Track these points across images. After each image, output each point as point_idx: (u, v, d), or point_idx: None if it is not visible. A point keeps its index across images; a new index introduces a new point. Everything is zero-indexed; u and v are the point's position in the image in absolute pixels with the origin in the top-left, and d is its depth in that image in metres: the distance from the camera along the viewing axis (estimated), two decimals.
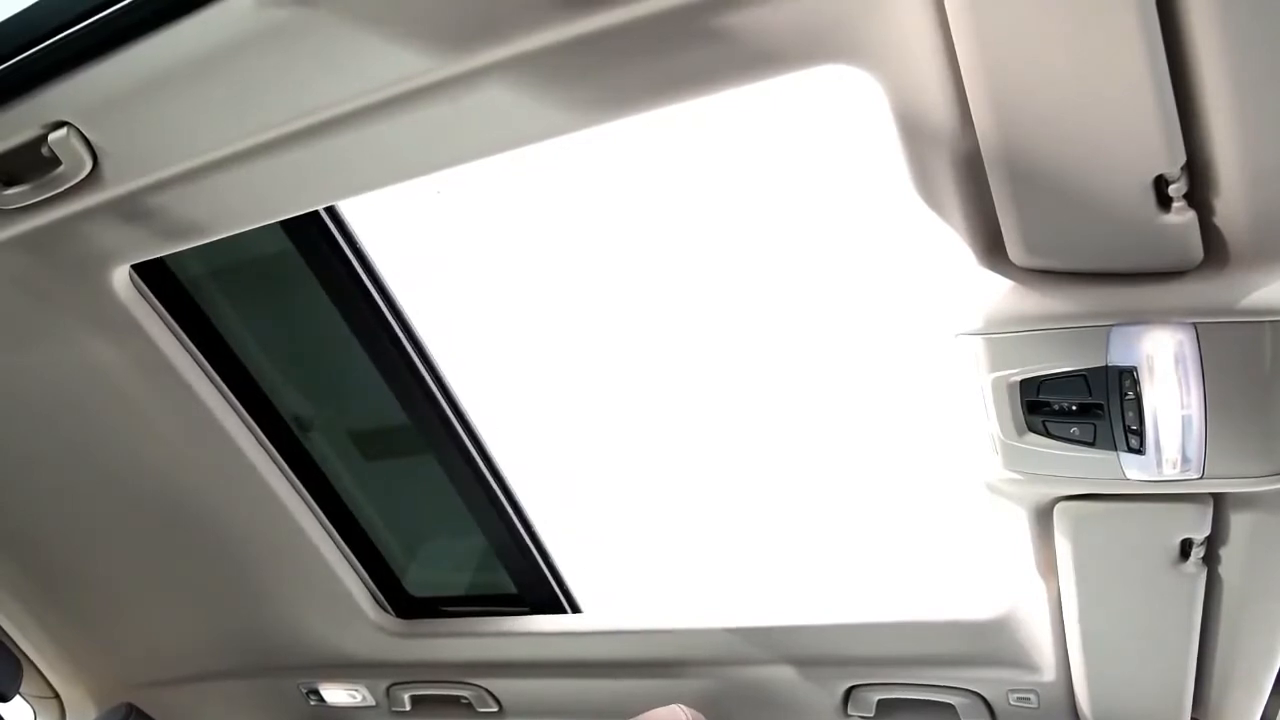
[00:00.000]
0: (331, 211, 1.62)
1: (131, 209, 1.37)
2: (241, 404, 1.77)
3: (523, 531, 1.95)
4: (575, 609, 2.01)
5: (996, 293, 1.08)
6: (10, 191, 1.33)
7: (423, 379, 1.78)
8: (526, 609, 2.04)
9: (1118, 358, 1.05)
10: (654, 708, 1.80)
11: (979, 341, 1.11)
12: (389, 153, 1.23)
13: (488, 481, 1.89)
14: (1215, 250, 0.98)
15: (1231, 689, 1.50)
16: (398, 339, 1.74)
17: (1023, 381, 1.10)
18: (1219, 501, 1.18)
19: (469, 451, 1.86)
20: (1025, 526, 1.33)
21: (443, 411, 1.82)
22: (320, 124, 1.19)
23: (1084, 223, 0.99)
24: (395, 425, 1.96)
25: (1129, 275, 1.02)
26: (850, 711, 1.81)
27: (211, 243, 1.43)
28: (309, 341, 2.01)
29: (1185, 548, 1.25)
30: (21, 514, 2.01)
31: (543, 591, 2.00)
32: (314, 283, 1.73)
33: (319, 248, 1.66)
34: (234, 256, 1.78)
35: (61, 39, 1.17)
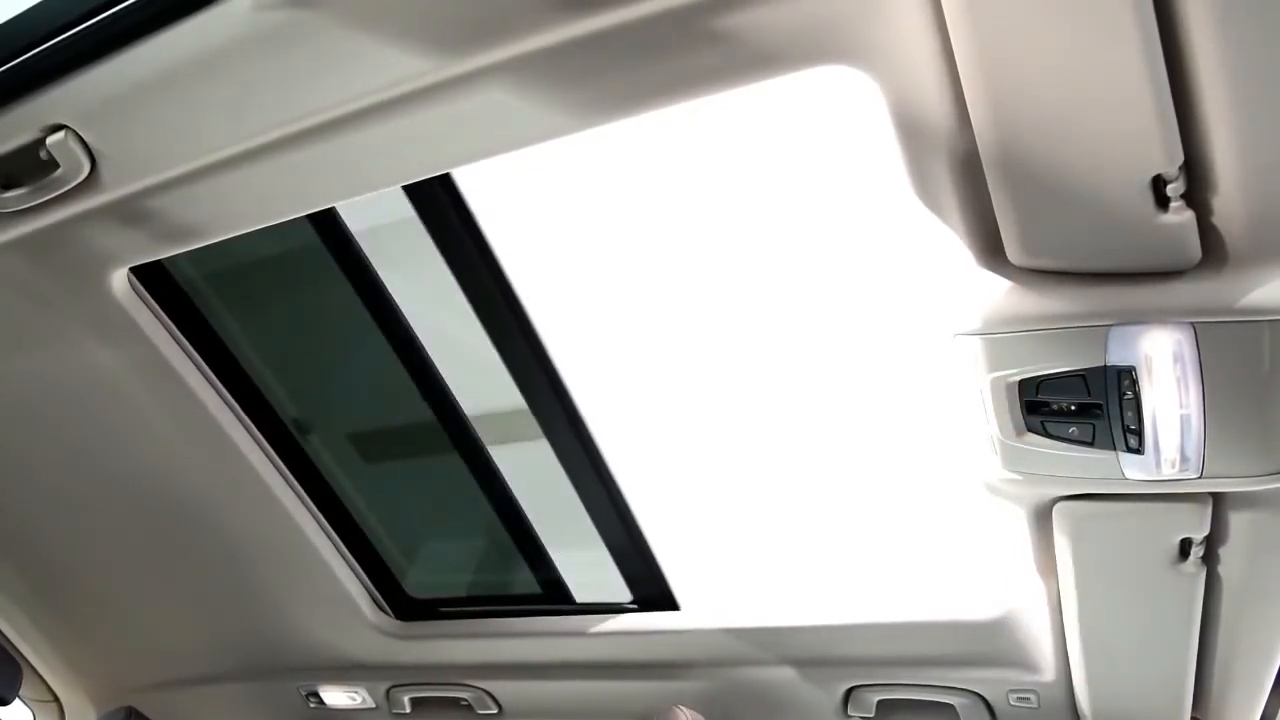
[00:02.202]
0: (447, 182, 1.56)
1: (130, 212, 1.37)
2: (240, 406, 1.76)
3: (636, 527, 1.88)
4: (676, 606, 1.94)
5: (995, 293, 1.08)
6: (8, 195, 1.33)
7: (546, 361, 1.73)
8: (529, 610, 2.04)
9: (1116, 357, 1.05)
10: (654, 709, 1.80)
11: (978, 342, 1.11)
12: (388, 155, 1.23)
13: (605, 472, 1.83)
14: (1213, 250, 0.98)
15: (1231, 688, 1.50)
16: (522, 320, 1.69)
17: (1021, 382, 1.11)
18: (1218, 501, 1.18)
19: (586, 439, 1.80)
20: (1025, 527, 1.33)
21: (563, 396, 1.76)
22: (318, 126, 1.19)
23: (1082, 223, 0.99)
24: (396, 427, 1.96)
25: (1127, 275, 1.02)
26: (850, 712, 1.81)
27: (210, 245, 1.43)
28: (309, 343, 2.01)
29: (1184, 547, 1.25)
30: (20, 517, 2.01)
31: (653, 588, 1.93)
32: (314, 284, 1.73)
33: (442, 216, 1.59)
34: (233, 259, 1.79)
35: (59, 42, 1.17)
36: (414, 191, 1.56)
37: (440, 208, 1.58)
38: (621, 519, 1.87)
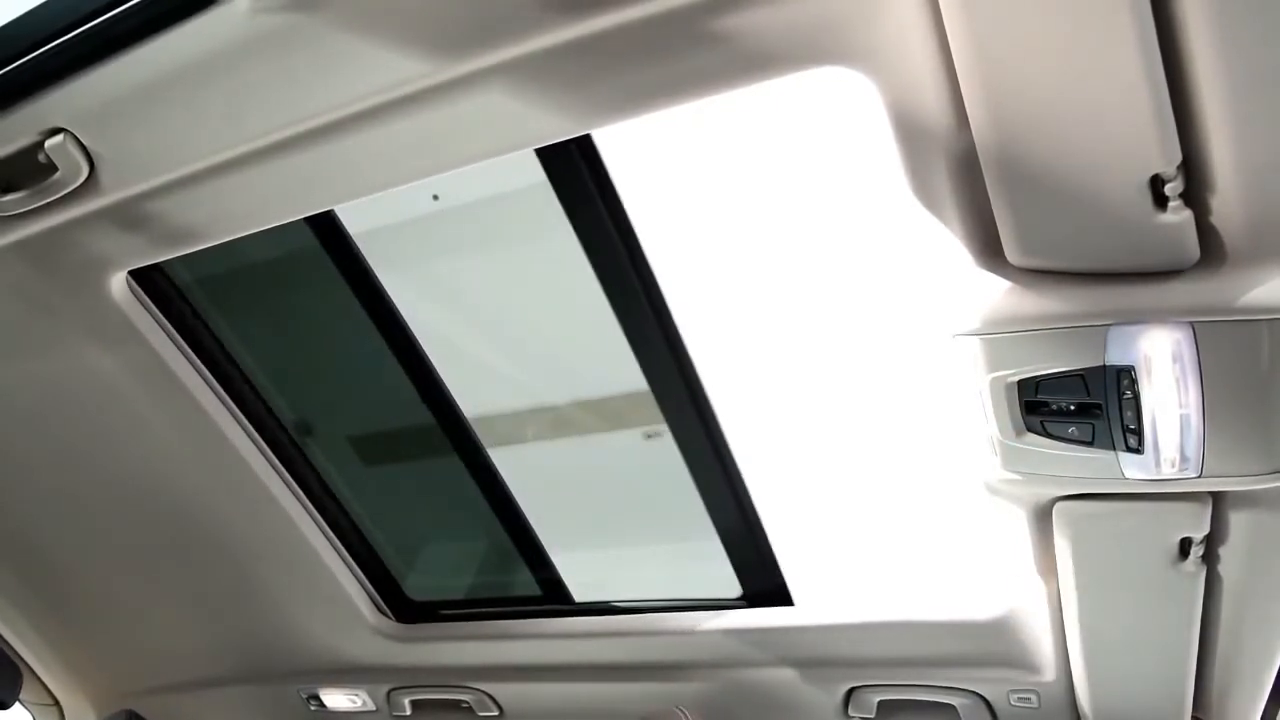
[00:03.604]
0: (586, 145, 1.47)
1: (128, 215, 1.37)
2: (239, 409, 1.76)
3: (756, 518, 1.80)
4: (790, 602, 1.86)
5: (994, 293, 1.08)
6: (7, 198, 1.33)
7: (676, 341, 1.63)
8: (529, 611, 2.03)
9: (1115, 357, 1.05)
10: (654, 710, 1.80)
11: (977, 342, 1.11)
12: (387, 157, 1.23)
13: (728, 461, 1.75)
14: (1212, 249, 0.98)
15: (1232, 687, 1.50)
16: (654, 296, 1.60)
17: (1021, 382, 1.11)
18: (1218, 500, 1.18)
19: (711, 427, 1.72)
20: (1025, 527, 1.33)
21: (692, 382, 1.67)
22: (317, 129, 1.19)
23: (1080, 222, 0.99)
24: (399, 427, 1.96)
25: (1126, 275, 1.02)
26: (851, 713, 1.81)
27: (209, 248, 1.43)
28: (309, 344, 2.01)
29: (1184, 546, 1.25)
30: (20, 520, 2.01)
31: (767, 582, 1.85)
32: (313, 285, 1.73)
33: (576, 181, 1.50)
34: (233, 261, 1.79)
35: (58, 45, 1.17)
36: (546, 154, 1.47)
37: (575, 172, 1.48)
38: (741, 510, 1.78)
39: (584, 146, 1.47)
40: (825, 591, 1.64)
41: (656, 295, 1.60)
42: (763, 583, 1.85)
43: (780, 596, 1.84)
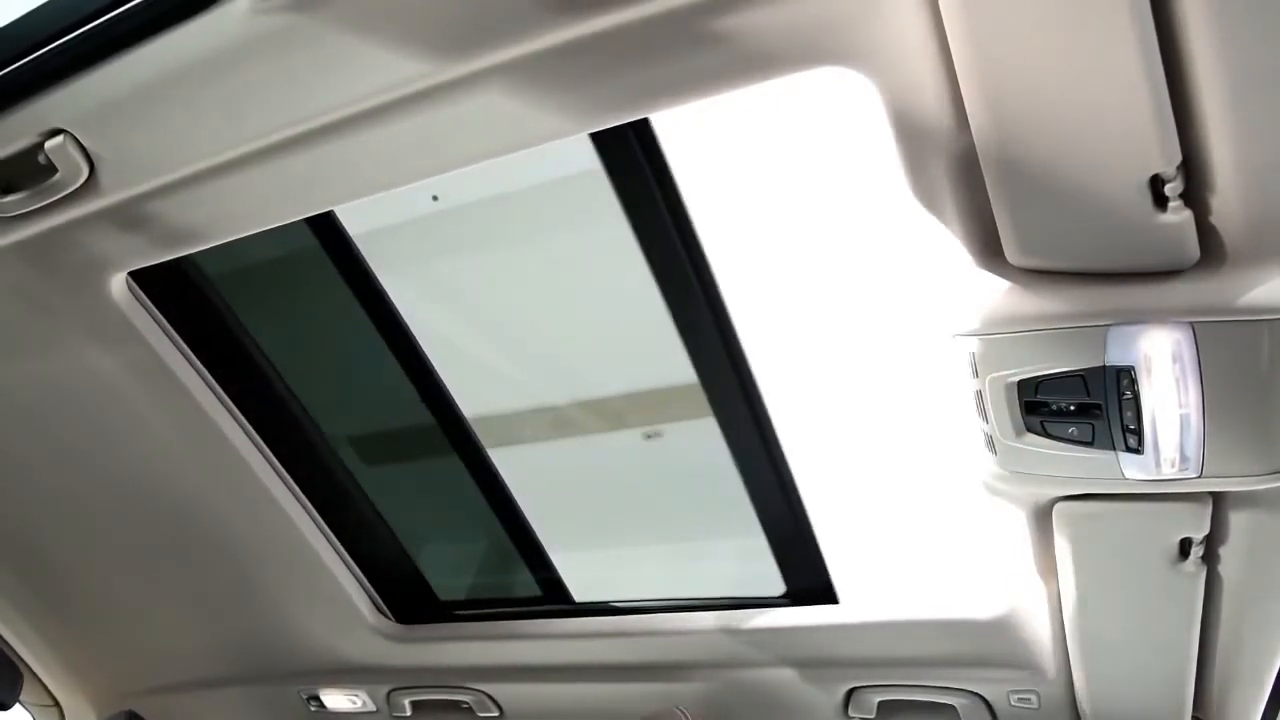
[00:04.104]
0: (644, 129, 1.42)
1: (128, 216, 1.37)
2: (240, 409, 1.76)
3: (804, 515, 1.75)
4: (835, 600, 1.81)
5: (993, 293, 1.08)
6: (7, 199, 1.33)
7: (729, 332, 1.57)
8: (530, 612, 2.03)
9: (1115, 357, 1.05)
10: (654, 710, 1.80)
11: (976, 342, 1.11)
12: (387, 157, 1.23)
13: (778, 456, 1.69)
14: (1212, 249, 0.98)
15: (1233, 688, 1.50)
16: (709, 286, 1.54)
17: (1020, 382, 1.10)
18: (1218, 500, 1.18)
19: (763, 420, 1.66)
20: (1024, 527, 1.33)
21: (744, 374, 1.60)
22: (317, 129, 1.19)
23: (1080, 222, 0.99)
24: (399, 428, 1.96)
25: (1126, 275, 1.02)
26: (851, 713, 1.81)
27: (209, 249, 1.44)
28: (309, 345, 2.01)
29: (1184, 547, 1.25)
30: (20, 521, 2.01)
31: (813, 580, 1.80)
32: (314, 286, 1.73)
33: (632, 166, 1.45)
34: (232, 263, 1.79)
35: (57, 46, 1.17)
36: (601, 138, 1.43)
37: (630, 156, 1.43)
38: (788, 505, 1.73)
39: (641, 131, 1.42)
40: (870, 589, 1.60)
41: (710, 284, 1.54)
42: (809, 580, 1.80)
43: (825, 594, 1.79)
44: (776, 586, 1.86)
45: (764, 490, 1.74)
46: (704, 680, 1.86)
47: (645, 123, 1.43)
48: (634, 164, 1.46)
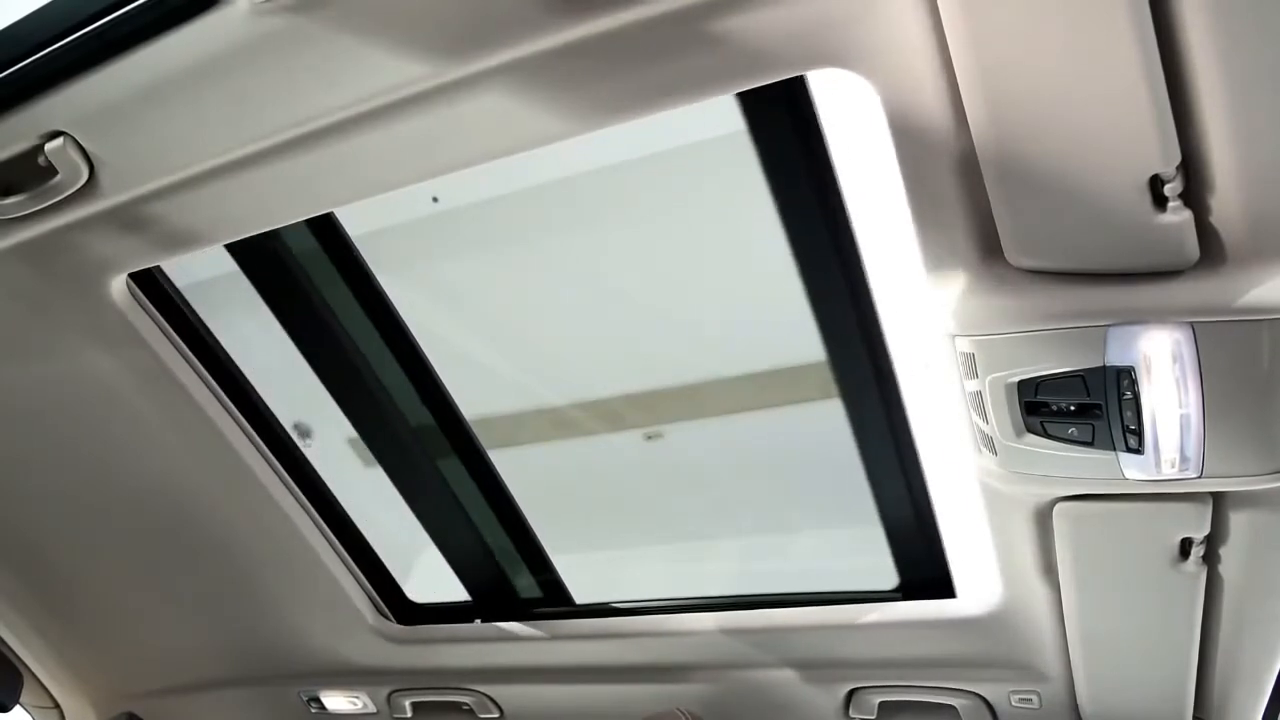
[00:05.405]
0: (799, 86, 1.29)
1: (128, 218, 1.37)
2: (239, 411, 1.76)
3: (928, 506, 1.66)
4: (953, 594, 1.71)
5: (993, 294, 1.08)
6: (7, 201, 1.33)
7: (869, 310, 1.48)
8: (530, 613, 2.03)
9: (1115, 358, 1.05)
10: (655, 712, 1.80)
11: (976, 343, 1.11)
12: (387, 159, 1.23)
13: (906, 443, 1.61)
14: (1211, 249, 0.98)
15: (1233, 688, 1.50)
16: (850, 259, 1.45)
17: (1021, 382, 1.11)
18: (1218, 500, 1.18)
19: (894, 405, 1.58)
20: (1025, 527, 1.33)
21: (879, 353, 1.52)
22: (317, 131, 1.19)
23: (1080, 223, 0.99)
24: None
25: (1126, 275, 1.02)
26: (852, 714, 1.81)
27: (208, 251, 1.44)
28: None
29: (1185, 547, 1.25)
30: (21, 522, 2.01)
31: (931, 572, 1.70)
32: (312, 286, 1.72)
33: (776, 125, 1.34)
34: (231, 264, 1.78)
35: (57, 48, 1.17)
36: (747, 98, 1.31)
37: (776, 116, 1.32)
38: (912, 497, 1.65)
39: (796, 92, 1.28)
40: (989, 583, 1.53)
41: (854, 260, 1.44)
42: (927, 571, 1.69)
43: (943, 587, 1.69)
44: (867, 581, 1.77)
45: (886, 479, 1.65)
46: (705, 681, 1.86)
47: (803, 85, 1.27)
48: (784, 129, 1.33)
